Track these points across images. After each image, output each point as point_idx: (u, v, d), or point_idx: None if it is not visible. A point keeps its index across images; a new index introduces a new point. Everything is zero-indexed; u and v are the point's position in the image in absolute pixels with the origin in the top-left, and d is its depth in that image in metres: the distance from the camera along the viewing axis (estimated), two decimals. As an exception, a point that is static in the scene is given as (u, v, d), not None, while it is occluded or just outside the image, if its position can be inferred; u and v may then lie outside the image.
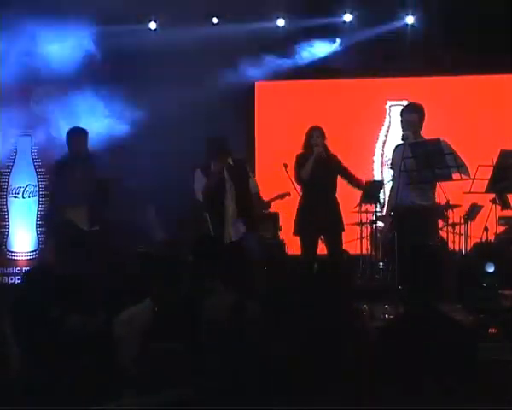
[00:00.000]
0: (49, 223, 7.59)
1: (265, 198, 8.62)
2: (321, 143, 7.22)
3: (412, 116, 6.55)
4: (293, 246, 8.93)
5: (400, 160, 6.28)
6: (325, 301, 3.93)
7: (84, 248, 6.94)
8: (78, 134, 7.37)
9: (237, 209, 6.89)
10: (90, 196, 7.16)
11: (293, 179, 7.39)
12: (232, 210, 6.89)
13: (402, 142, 6.50)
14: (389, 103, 10.68)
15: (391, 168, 6.87)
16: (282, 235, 9.46)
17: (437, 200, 6.71)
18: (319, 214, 7.11)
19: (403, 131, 6.54)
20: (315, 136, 7.25)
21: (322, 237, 7.30)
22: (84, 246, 6.98)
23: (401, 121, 6.63)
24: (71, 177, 7.16)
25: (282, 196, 8.85)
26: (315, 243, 7.24)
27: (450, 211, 8.75)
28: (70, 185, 7.13)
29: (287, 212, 8.66)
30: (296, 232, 7.33)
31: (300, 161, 7.28)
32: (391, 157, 6.92)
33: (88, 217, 7.18)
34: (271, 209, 9.34)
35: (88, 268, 6.42)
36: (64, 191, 7.16)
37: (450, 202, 8.21)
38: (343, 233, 7.36)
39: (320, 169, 7.16)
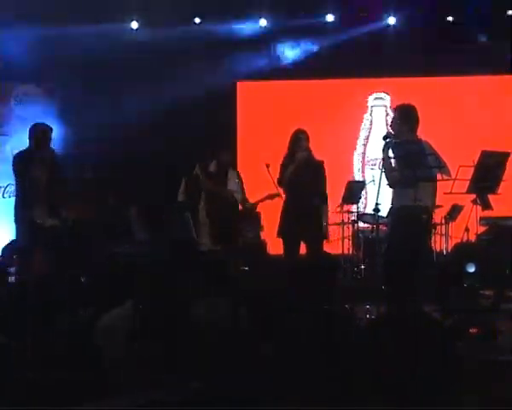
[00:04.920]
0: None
1: (251, 199, 8.49)
2: (306, 148, 7.20)
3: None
4: (276, 246, 8.92)
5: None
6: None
7: (45, 244, 6.94)
8: (42, 130, 7.38)
9: None
10: (50, 192, 7.20)
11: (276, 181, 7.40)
12: None
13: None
14: (371, 104, 10.71)
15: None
16: (263, 235, 9.41)
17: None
18: (300, 219, 7.10)
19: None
20: (302, 139, 7.21)
21: (303, 241, 7.28)
22: (44, 242, 6.97)
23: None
24: (33, 173, 7.18)
25: (272, 197, 8.18)
26: (296, 247, 7.24)
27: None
28: (32, 181, 7.16)
29: (269, 212, 8.64)
30: (278, 235, 7.34)
31: (284, 164, 7.27)
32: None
33: (48, 213, 7.20)
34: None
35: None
36: (26, 187, 7.20)
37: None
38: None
39: (303, 174, 7.13)
